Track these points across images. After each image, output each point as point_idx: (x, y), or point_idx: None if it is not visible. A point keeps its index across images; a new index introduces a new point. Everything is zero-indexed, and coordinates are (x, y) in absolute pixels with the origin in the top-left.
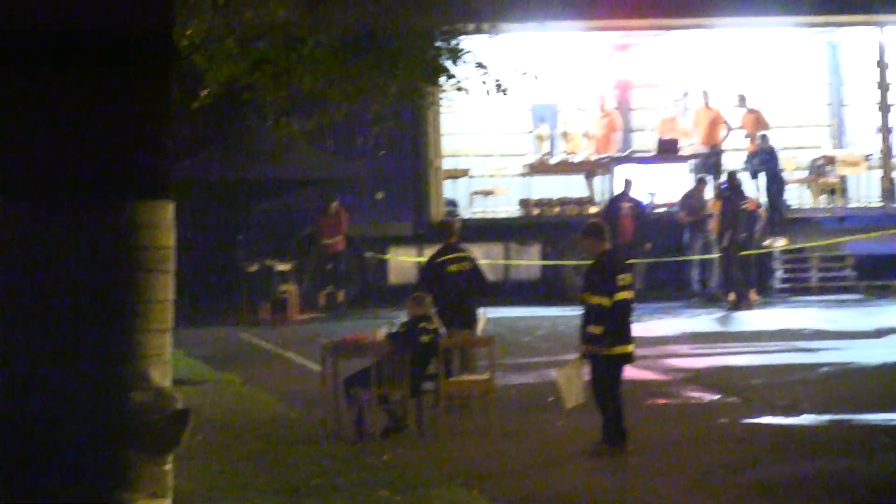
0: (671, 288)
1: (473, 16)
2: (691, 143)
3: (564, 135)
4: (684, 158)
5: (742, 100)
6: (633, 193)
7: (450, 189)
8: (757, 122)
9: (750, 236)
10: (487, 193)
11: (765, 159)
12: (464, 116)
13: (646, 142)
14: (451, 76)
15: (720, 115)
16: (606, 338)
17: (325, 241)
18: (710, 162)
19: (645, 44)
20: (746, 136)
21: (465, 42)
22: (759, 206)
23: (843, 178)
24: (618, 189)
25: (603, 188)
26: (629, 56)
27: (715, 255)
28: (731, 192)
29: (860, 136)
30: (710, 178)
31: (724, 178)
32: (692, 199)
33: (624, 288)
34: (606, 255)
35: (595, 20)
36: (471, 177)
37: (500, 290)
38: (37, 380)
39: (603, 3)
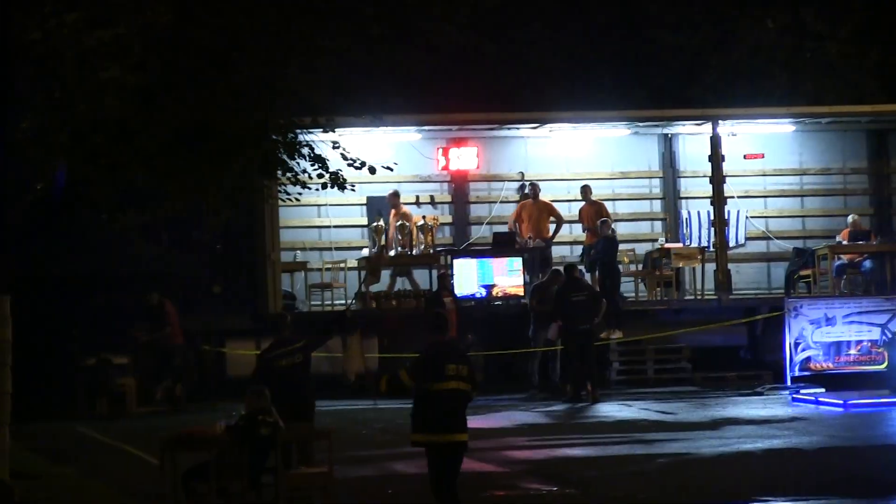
0: (511, 380)
1: (310, 110)
2: (530, 236)
3: (401, 228)
4: (519, 251)
5: (586, 191)
6: (461, 288)
7: (288, 282)
8: (598, 213)
9: (588, 328)
10: (325, 287)
11: (603, 248)
12: (302, 209)
13: (483, 234)
14: (287, 169)
15: (549, 208)
16: (416, 420)
17: (151, 335)
18: (543, 255)
19: (481, 138)
20: (585, 230)
21: (301, 136)
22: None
23: (678, 271)
24: (445, 283)
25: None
26: (465, 151)
27: (555, 348)
28: (568, 283)
29: (695, 229)
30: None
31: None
32: (544, 291)
33: (452, 377)
34: (437, 345)
35: (429, 115)
36: (308, 270)
37: (339, 383)
38: None
39: (437, 99)
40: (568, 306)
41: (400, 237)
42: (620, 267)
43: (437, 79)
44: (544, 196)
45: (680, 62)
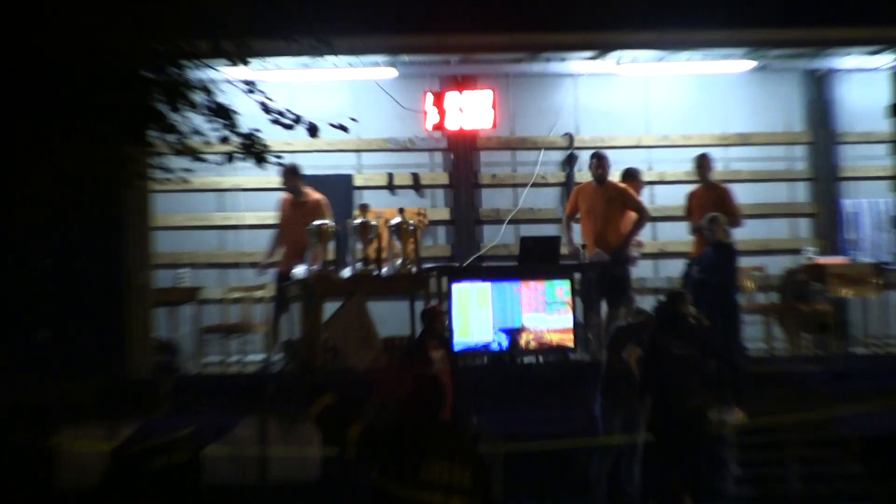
0: (557, 490)
1: (205, 27)
2: (583, 245)
3: (363, 229)
4: (568, 269)
5: (703, 165)
6: (465, 333)
7: (165, 323)
8: (717, 204)
9: (700, 408)
10: (231, 331)
11: (711, 263)
12: (191, 198)
13: (505, 240)
14: (167, 127)
15: (624, 195)
16: None
17: None
18: (613, 277)
19: (500, 77)
20: (695, 231)
21: (193, 72)
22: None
23: (840, 304)
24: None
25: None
26: (473, 98)
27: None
28: (668, 327)
29: (869, 233)
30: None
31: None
32: (625, 341)
33: (436, 487)
34: (417, 427)
35: (412, 35)
36: (202, 302)
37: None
38: None
39: (426, 9)
40: (666, 369)
41: (361, 243)
42: (739, 296)
43: None
44: (614, 176)
45: None
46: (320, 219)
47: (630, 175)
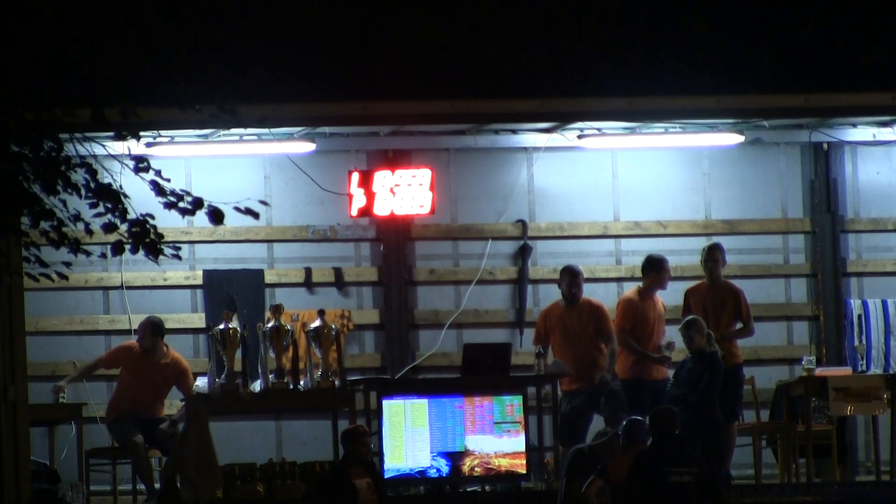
0: None
1: (90, 93)
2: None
3: (276, 334)
4: (519, 382)
5: (713, 256)
6: (395, 458)
7: (44, 447)
8: (729, 302)
9: None
10: (117, 453)
11: (695, 377)
12: (70, 297)
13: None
14: (42, 213)
15: (598, 316)
16: None
17: None
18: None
19: (439, 152)
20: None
21: (72, 146)
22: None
23: (842, 424)
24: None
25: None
26: (407, 178)
27: None
28: (660, 449)
29: (878, 338)
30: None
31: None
32: (588, 466)
33: None
34: None
35: (336, 103)
36: (86, 420)
37: None
38: None
39: (352, 77)
40: (655, 496)
41: (274, 351)
42: (722, 415)
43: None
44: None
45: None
46: (183, 388)
47: (653, 266)
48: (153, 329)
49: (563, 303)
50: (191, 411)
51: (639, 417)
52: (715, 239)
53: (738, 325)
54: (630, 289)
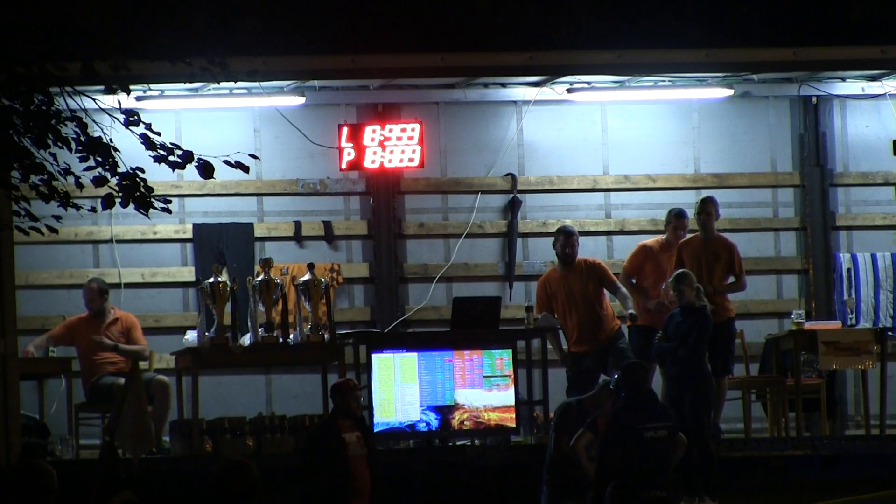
0: None
1: (80, 46)
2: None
3: (266, 288)
4: (510, 337)
5: (705, 210)
6: (385, 412)
7: (33, 400)
8: (722, 256)
9: (666, 497)
10: (107, 407)
11: (684, 330)
12: (61, 251)
13: (433, 299)
14: (33, 166)
15: (598, 273)
16: None
17: None
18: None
19: (428, 105)
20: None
21: (63, 100)
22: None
23: (832, 378)
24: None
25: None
26: (397, 132)
27: None
28: (633, 404)
29: (867, 292)
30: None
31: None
32: (579, 420)
33: None
34: None
35: (325, 56)
36: (76, 374)
37: None
38: None
39: (342, 29)
40: (631, 453)
41: (264, 305)
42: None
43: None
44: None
45: None
46: (133, 342)
47: (670, 218)
48: (100, 290)
49: (560, 266)
50: (130, 372)
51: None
52: (704, 193)
53: (731, 280)
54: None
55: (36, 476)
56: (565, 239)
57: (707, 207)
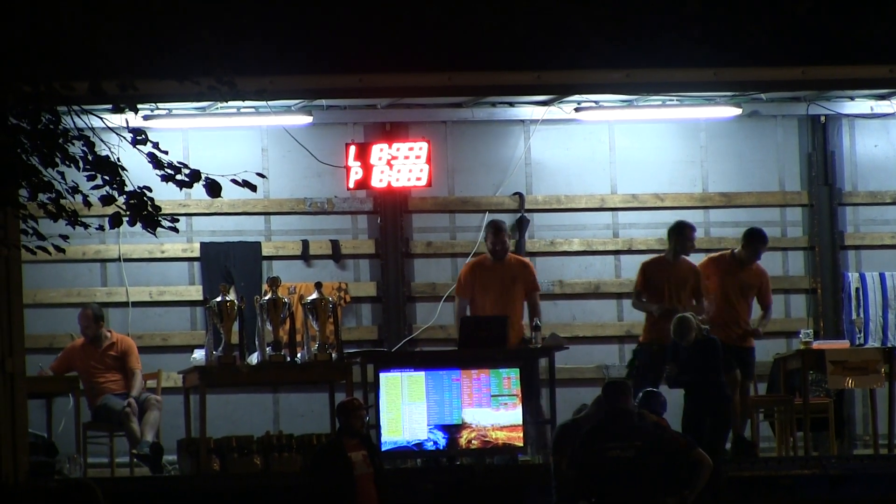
0: None
1: (88, 67)
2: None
3: (273, 307)
4: (516, 355)
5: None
6: (392, 431)
7: (41, 419)
8: (690, 280)
9: None
10: (116, 425)
11: (689, 357)
12: (68, 269)
13: (440, 318)
14: (40, 185)
15: (520, 270)
16: None
17: None
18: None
19: (436, 125)
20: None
21: (70, 119)
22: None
23: (840, 397)
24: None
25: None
26: (404, 151)
27: None
28: (607, 420)
29: (876, 312)
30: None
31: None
32: (568, 441)
33: None
34: None
35: (333, 76)
36: (82, 392)
37: None
38: None
39: (348, 49)
40: (592, 472)
41: (271, 324)
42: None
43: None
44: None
45: None
46: (131, 366)
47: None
48: (95, 317)
49: (491, 258)
50: None
51: (654, 390)
52: (712, 212)
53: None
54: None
55: (82, 493)
56: (494, 236)
57: (689, 233)
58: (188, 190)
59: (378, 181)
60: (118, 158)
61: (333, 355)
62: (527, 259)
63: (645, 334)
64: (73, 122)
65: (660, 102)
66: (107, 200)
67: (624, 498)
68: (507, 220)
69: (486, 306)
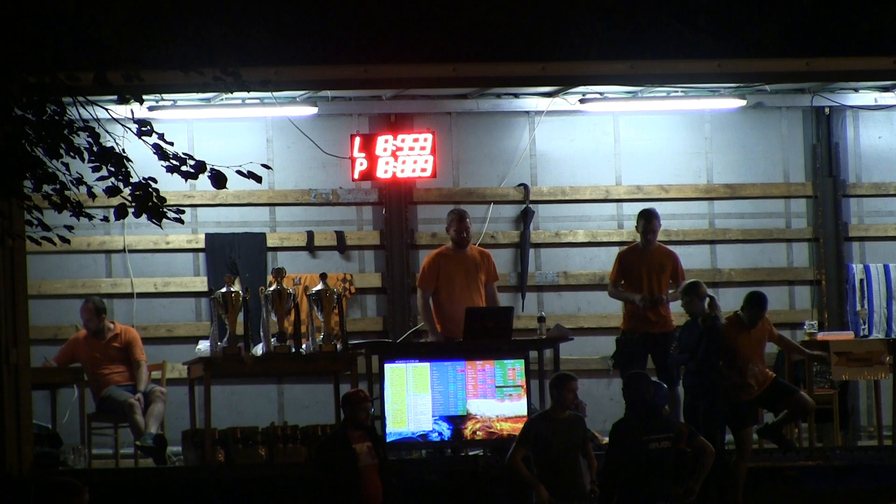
0: None
1: (93, 57)
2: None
3: (278, 298)
4: (523, 346)
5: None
6: (396, 422)
7: (45, 410)
8: (667, 266)
9: None
10: (120, 415)
11: (693, 342)
12: (72, 260)
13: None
14: (44, 177)
15: (481, 260)
16: None
17: None
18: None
19: (440, 116)
20: (649, 301)
21: (74, 110)
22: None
23: (844, 389)
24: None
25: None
26: (409, 142)
27: None
28: (636, 414)
29: (880, 304)
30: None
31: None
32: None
33: None
34: None
35: (338, 66)
36: (86, 384)
37: None
38: None
39: (353, 40)
40: (636, 464)
41: (276, 315)
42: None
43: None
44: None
45: None
46: (136, 357)
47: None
48: (97, 310)
49: (454, 247)
50: None
51: (658, 381)
52: (716, 203)
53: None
54: None
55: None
56: (459, 223)
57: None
58: (193, 181)
59: (383, 172)
60: (123, 149)
61: (338, 346)
62: (487, 251)
63: (625, 322)
64: (79, 113)
65: (664, 94)
66: (112, 191)
67: (655, 490)
68: (512, 211)
69: (451, 296)
